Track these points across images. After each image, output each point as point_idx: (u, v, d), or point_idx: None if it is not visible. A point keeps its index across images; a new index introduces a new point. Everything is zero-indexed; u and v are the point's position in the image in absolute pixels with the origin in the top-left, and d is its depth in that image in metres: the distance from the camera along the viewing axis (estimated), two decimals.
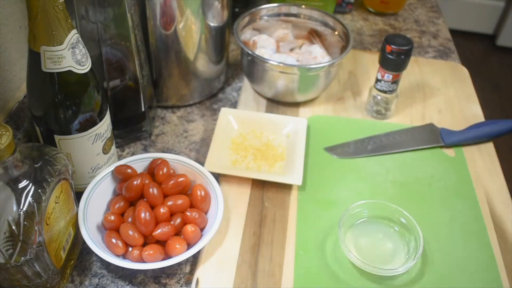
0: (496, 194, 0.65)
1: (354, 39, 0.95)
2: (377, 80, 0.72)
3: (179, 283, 0.55)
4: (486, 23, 2.35)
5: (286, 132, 0.71)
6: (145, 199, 0.58)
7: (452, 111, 0.78)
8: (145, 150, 0.70)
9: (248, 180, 0.65)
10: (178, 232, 0.56)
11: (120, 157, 0.68)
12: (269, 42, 0.78)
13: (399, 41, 0.68)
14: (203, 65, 0.74)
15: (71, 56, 0.49)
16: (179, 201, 0.58)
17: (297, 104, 0.78)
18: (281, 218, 0.61)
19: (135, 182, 0.57)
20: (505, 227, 0.61)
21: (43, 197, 0.45)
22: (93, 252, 0.55)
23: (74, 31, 0.49)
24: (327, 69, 0.72)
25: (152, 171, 0.61)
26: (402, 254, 0.56)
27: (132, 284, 0.55)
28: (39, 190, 0.45)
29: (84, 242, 0.55)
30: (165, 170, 0.60)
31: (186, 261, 0.57)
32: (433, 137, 0.72)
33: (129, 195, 0.58)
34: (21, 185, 0.44)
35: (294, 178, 0.63)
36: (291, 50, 0.79)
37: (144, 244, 0.55)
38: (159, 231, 0.54)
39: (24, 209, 0.43)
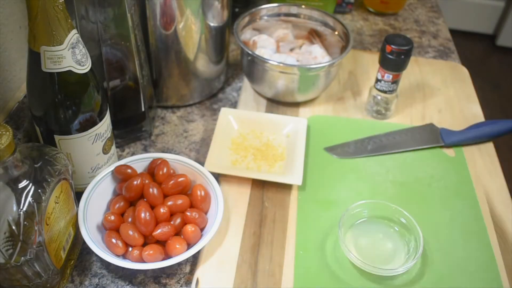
0: (496, 194, 0.65)
1: (354, 39, 0.95)
2: (377, 80, 0.72)
3: (179, 283, 0.55)
4: (486, 23, 2.35)
5: (286, 132, 0.71)
6: (145, 199, 0.58)
7: (452, 111, 0.78)
8: (145, 150, 0.70)
9: (248, 180, 0.65)
10: (178, 232, 0.56)
11: (120, 157, 0.68)
12: (269, 42, 0.78)
13: (399, 41, 0.68)
14: (203, 65, 0.74)
15: (71, 56, 0.49)
16: (179, 201, 0.58)
17: (297, 104, 0.78)
18: (281, 218, 0.61)
19: (135, 182, 0.57)
20: (505, 227, 0.61)
21: (43, 197, 0.45)
22: (93, 252, 0.55)
23: (74, 31, 0.49)
24: (327, 69, 0.72)
25: (152, 171, 0.61)
26: (402, 254, 0.56)
27: (132, 284, 0.55)
28: (39, 190, 0.45)
29: (84, 242, 0.55)
30: (165, 170, 0.60)
31: (186, 261, 0.57)
32: (433, 137, 0.72)
33: (129, 195, 0.58)
34: (21, 185, 0.44)
35: (294, 178, 0.63)
36: (291, 50, 0.79)
37: (144, 244, 0.55)
38: (159, 231, 0.54)
39: (24, 209, 0.43)
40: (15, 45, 0.61)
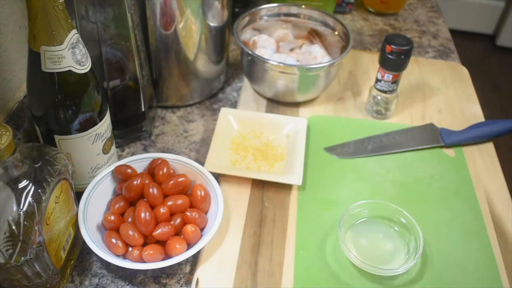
0: (496, 194, 0.65)
1: (354, 39, 0.95)
2: (377, 80, 0.72)
3: (179, 283, 0.55)
4: (486, 23, 2.35)
5: (286, 132, 0.71)
6: (145, 199, 0.58)
7: (452, 111, 0.78)
8: (145, 150, 0.70)
9: (248, 180, 0.65)
10: (178, 232, 0.56)
11: (120, 157, 0.68)
12: (269, 42, 0.78)
13: (399, 41, 0.68)
14: (203, 65, 0.74)
15: (71, 56, 0.49)
16: (179, 201, 0.58)
17: (297, 104, 0.78)
18: (281, 218, 0.61)
19: (135, 182, 0.57)
20: (505, 227, 0.61)
21: (43, 197, 0.45)
22: (93, 252, 0.55)
23: (74, 31, 0.49)
24: (327, 69, 0.72)
25: (152, 171, 0.61)
26: (402, 254, 0.56)
27: (132, 284, 0.55)
28: (39, 190, 0.45)
29: (84, 242, 0.55)
30: (165, 170, 0.60)
31: (186, 261, 0.57)
32: (433, 137, 0.72)
33: (129, 195, 0.58)
34: (21, 185, 0.44)
35: (294, 178, 0.63)
36: (291, 50, 0.79)
37: (144, 244, 0.55)
38: (159, 231, 0.54)
39: (24, 209, 0.43)
40: (15, 45, 0.61)
